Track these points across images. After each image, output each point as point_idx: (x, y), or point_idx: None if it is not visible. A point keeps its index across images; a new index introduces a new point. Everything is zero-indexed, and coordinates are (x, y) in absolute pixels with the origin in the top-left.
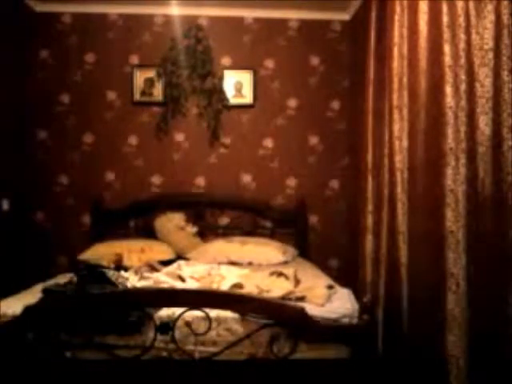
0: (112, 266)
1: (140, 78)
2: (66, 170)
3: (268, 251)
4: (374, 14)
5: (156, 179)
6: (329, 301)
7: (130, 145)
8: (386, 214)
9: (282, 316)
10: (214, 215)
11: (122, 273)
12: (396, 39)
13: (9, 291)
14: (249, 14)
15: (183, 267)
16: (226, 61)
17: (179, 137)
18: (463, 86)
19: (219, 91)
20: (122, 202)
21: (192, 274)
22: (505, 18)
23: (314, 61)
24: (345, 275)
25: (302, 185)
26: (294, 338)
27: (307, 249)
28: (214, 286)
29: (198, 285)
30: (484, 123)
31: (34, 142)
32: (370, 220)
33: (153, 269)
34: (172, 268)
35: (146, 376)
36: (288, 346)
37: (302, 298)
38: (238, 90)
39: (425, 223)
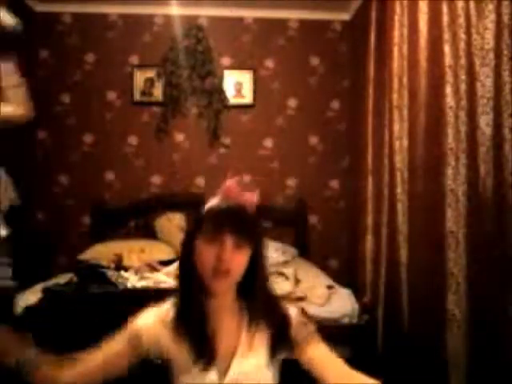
0: (112, 265)
1: (140, 77)
2: (66, 170)
3: (268, 251)
4: (374, 14)
5: (156, 179)
6: (329, 301)
7: (130, 145)
8: (386, 214)
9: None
10: None
11: (122, 273)
12: (396, 39)
13: None
14: (249, 14)
15: None
16: (225, 61)
17: (179, 137)
18: (464, 86)
19: (219, 91)
20: (122, 201)
21: None
22: (505, 18)
23: (314, 61)
24: (345, 275)
25: (302, 185)
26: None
27: (307, 249)
28: None
29: None
30: (485, 123)
31: (34, 142)
32: (370, 220)
33: (153, 269)
34: (172, 268)
35: (146, 375)
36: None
37: (301, 298)
38: (238, 90)
39: (425, 223)
